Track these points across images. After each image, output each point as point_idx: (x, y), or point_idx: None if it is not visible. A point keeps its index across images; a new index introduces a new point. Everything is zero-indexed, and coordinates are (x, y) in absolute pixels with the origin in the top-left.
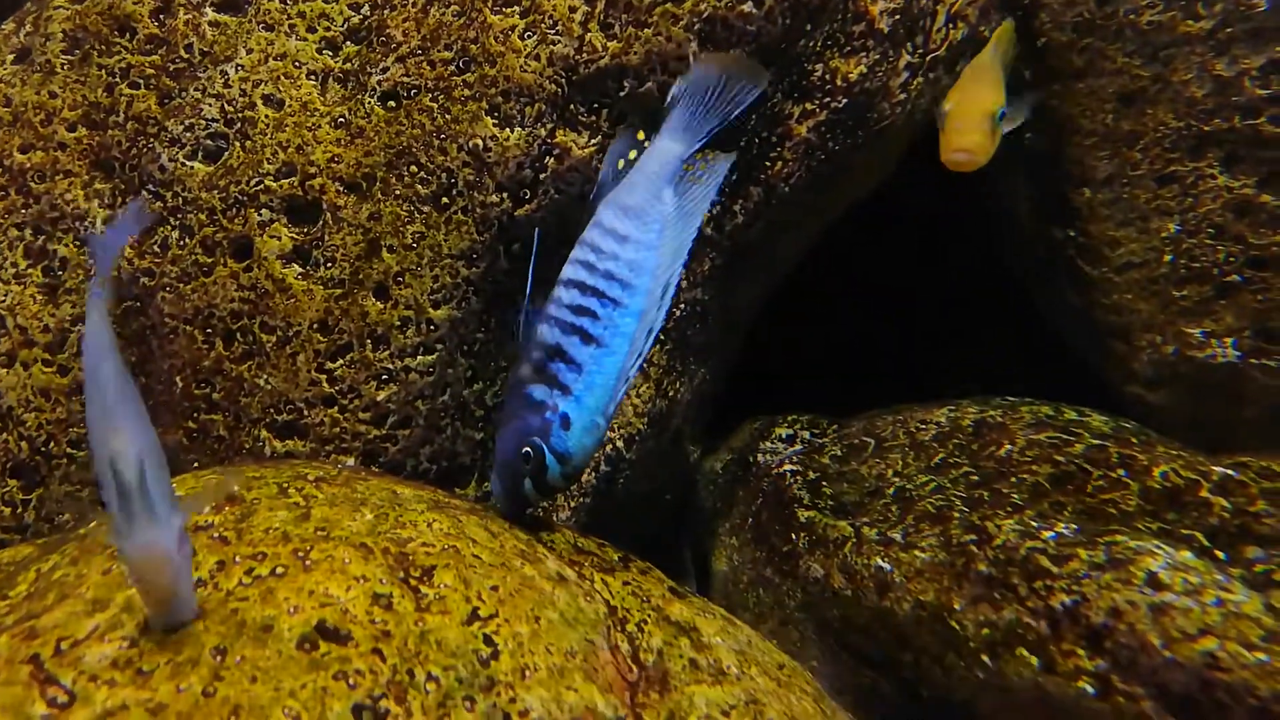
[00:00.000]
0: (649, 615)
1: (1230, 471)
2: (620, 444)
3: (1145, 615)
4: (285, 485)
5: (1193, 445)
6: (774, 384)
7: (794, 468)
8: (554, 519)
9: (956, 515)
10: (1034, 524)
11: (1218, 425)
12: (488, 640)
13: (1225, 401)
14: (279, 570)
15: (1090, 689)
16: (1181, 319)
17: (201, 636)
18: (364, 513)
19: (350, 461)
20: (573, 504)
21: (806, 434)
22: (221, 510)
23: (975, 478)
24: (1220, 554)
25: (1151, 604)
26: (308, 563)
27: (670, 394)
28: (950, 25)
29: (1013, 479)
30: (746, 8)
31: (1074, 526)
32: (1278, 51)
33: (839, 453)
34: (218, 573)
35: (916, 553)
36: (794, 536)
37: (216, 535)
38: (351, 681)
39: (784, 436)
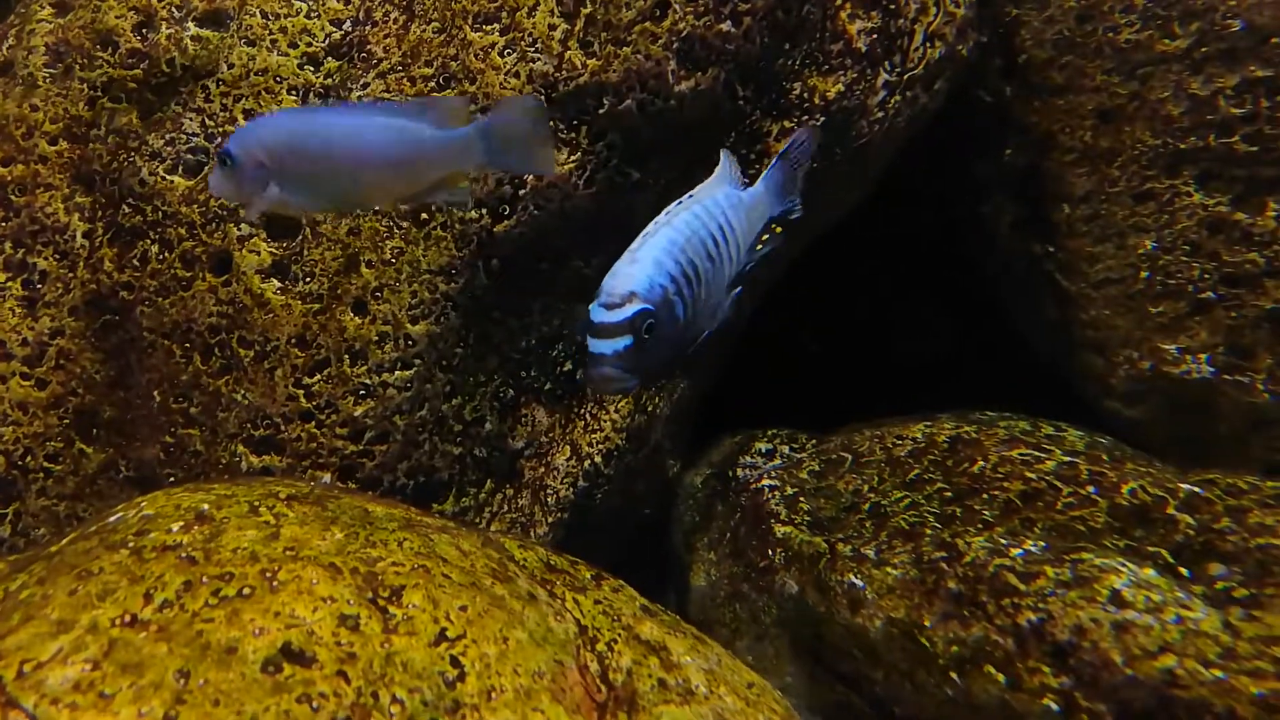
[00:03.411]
0: (619, 634)
1: (1196, 489)
2: (599, 459)
3: (1108, 633)
4: (256, 504)
5: (1169, 460)
6: (756, 397)
7: (772, 483)
8: (530, 535)
9: (929, 532)
10: (1003, 541)
11: (1193, 441)
12: (454, 662)
13: (1200, 417)
14: (245, 591)
15: (1055, 706)
16: (1157, 335)
17: (165, 659)
18: (334, 532)
19: (326, 477)
20: (550, 519)
21: (786, 449)
22: (191, 530)
23: (949, 494)
24: (1184, 571)
25: (1114, 621)
26: (275, 583)
27: (649, 409)
28: (928, 44)
29: (985, 495)
30: (725, 26)
31: (1042, 544)
32: (1252, 71)
33: (817, 468)
34: (184, 593)
35: (889, 569)
36: (770, 552)
37: (185, 555)
38: (315, 705)
39: (763, 451)
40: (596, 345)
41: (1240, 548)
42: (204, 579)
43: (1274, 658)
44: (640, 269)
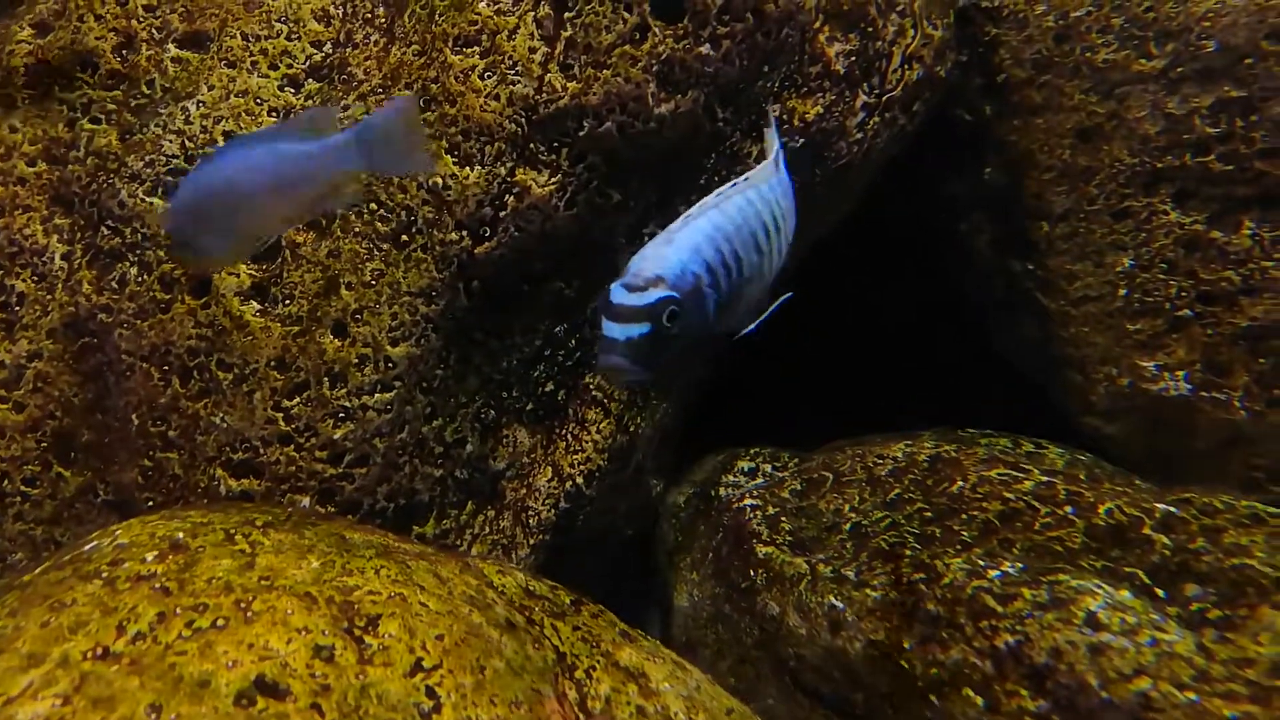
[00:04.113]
0: (598, 661)
1: (1172, 508)
2: (580, 480)
3: (1084, 655)
4: (232, 531)
5: (1148, 477)
6: (743, 413)
7: (754, 502)
8: (512, 557)
9: (908, 553)
10: (981, 563)
11: (1172, 457)
12: (430, 692)
13: (1178, 434)
14: (219, 622)
15: None
16: (1135, 352)
17: (137, 693)
18: (310, 560)
19: (305, 501)
20: (532, 541)
21: (768, 467)
22: (165, 559)
23: (928, 514)
24: (1160, 592)
25: (1090, 644)
26: (249, 614)
27: (631, 429)
28: (906, 66)
29: (963, 516)
30: (704, 49)
31: (1019, 565)
32: (1226, 91)
33: (798, 487)
34: (158, 625)
35: (868, 591)
36: (752, 572)
37: (159, 586)
38: None
39: (746, 470)
40: (610, 329)
41: (1215, 568)
42: (178, 610)
43: (1247, 680)
44: (674, 252)
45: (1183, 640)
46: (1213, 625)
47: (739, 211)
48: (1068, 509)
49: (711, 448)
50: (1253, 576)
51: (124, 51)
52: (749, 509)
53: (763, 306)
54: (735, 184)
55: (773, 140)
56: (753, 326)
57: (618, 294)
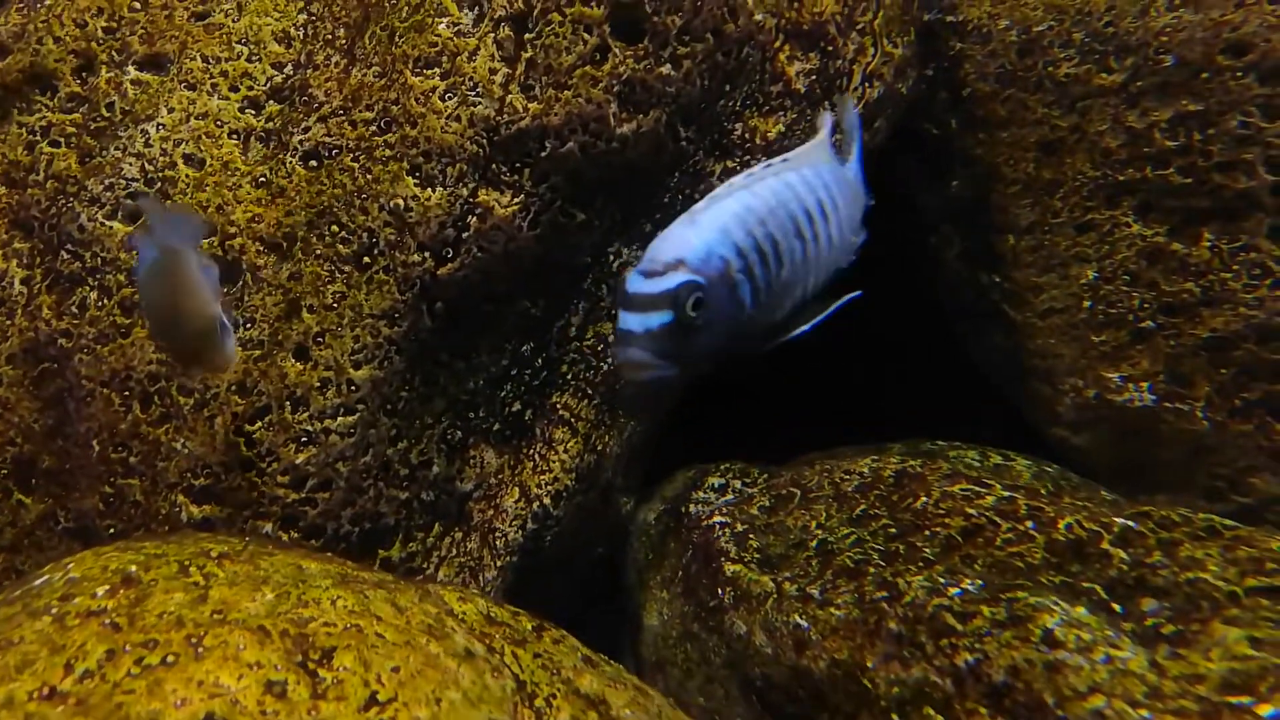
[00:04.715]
0: (558, 689)
1: (1131, 523)
2: (548, 501)
3: (1041, 673)
4: (186, 563)
5: (1115, 488)
6: (716, 427)
7: (723, 519)
8: (479, 579)
9: (872, 570)
10: (942, 580)
11: (1139, 467)
12: None
13: (1143, 444)
14: (169, 659)
15: None
16: (1101, 363)
17: None
18: (265, 592)
19: (268, 527)
20: (499, 563)
21: (738, 483)
22: (116, 594)
23: (893, 530)
24: (1117, 606)
25: (1047, 662)
26: (200, 650)
27: (599, 448)
28: (866, 84)
29: (926, 532)
30: (665, 70)
31: (979, 582)
32: (1184, 105)
33: (767, 503)
34: (106, 663)
35: (832, 610)
36: (720, 591)
37: (108, 622)
38: None
39: (716, 486)
40: (626, 319)
41: (1170, 582)
42: (127, 647)
43: (1197, 696)
44: (698, 233)
45: (1136, 657)
46: (1166, 640)
47: (773, 193)
48: (1028, 524)
49: (690, 459)
50: (1206, 590)
51: (84, 74)
52: (718, 526)
53: (813, 302)
54: (769, 164)
55: (825, 126)
56: (811, 326)
57: (634, 281)
